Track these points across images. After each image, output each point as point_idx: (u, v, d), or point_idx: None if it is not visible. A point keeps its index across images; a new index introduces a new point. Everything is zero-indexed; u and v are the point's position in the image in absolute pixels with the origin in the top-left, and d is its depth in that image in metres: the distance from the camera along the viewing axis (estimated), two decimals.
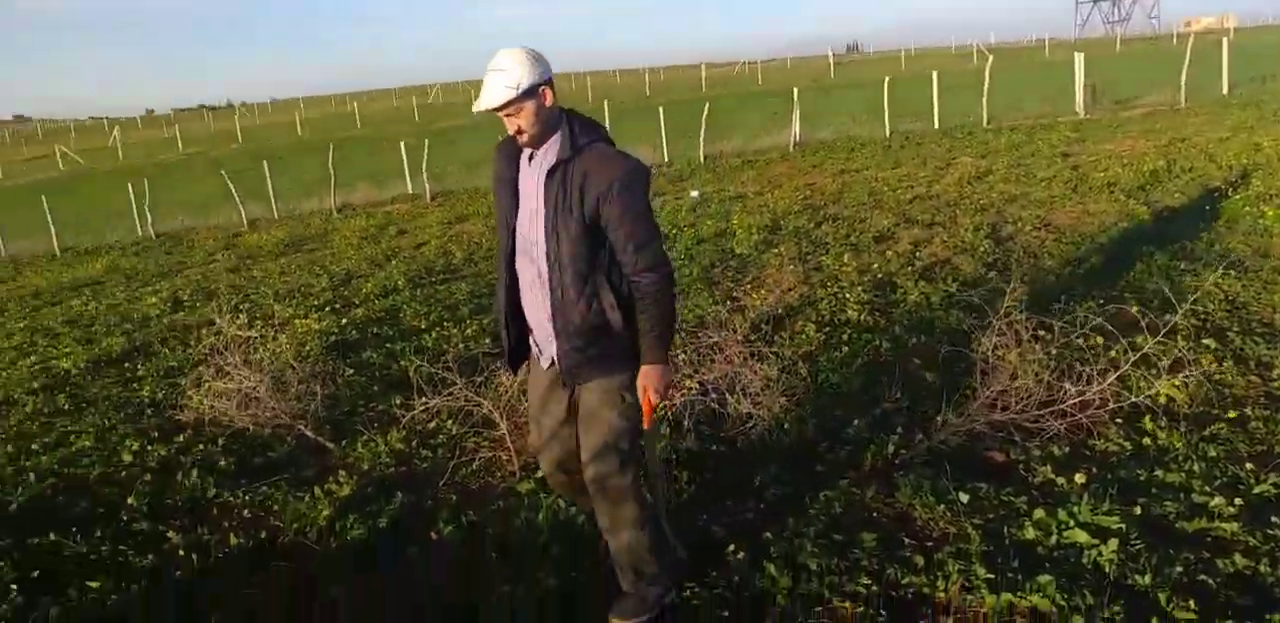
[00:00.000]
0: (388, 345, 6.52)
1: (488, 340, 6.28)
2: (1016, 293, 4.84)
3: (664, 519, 3.04)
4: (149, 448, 4.88)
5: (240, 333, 5.82)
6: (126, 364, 6.95)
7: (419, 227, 13.58)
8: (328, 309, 7.93)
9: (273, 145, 40.44)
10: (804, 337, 5.60)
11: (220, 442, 4.87)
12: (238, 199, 17.45)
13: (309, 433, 4.85)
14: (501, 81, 2.55)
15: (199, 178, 27.08)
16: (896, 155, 14.93)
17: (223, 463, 4.60)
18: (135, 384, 6.31)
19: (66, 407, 5.95)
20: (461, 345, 6.24)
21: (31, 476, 4.66)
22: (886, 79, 19.63)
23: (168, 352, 7.12)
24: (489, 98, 2.57)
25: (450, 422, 4.75)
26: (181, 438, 4.99)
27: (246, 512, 4.09)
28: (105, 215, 19.57)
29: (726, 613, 2.89)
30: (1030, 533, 3.18)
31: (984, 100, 18.62)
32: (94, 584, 3.44)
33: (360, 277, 9.71)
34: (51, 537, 3.87)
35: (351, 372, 5.89)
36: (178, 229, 17.67)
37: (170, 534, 3.85)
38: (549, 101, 2.61)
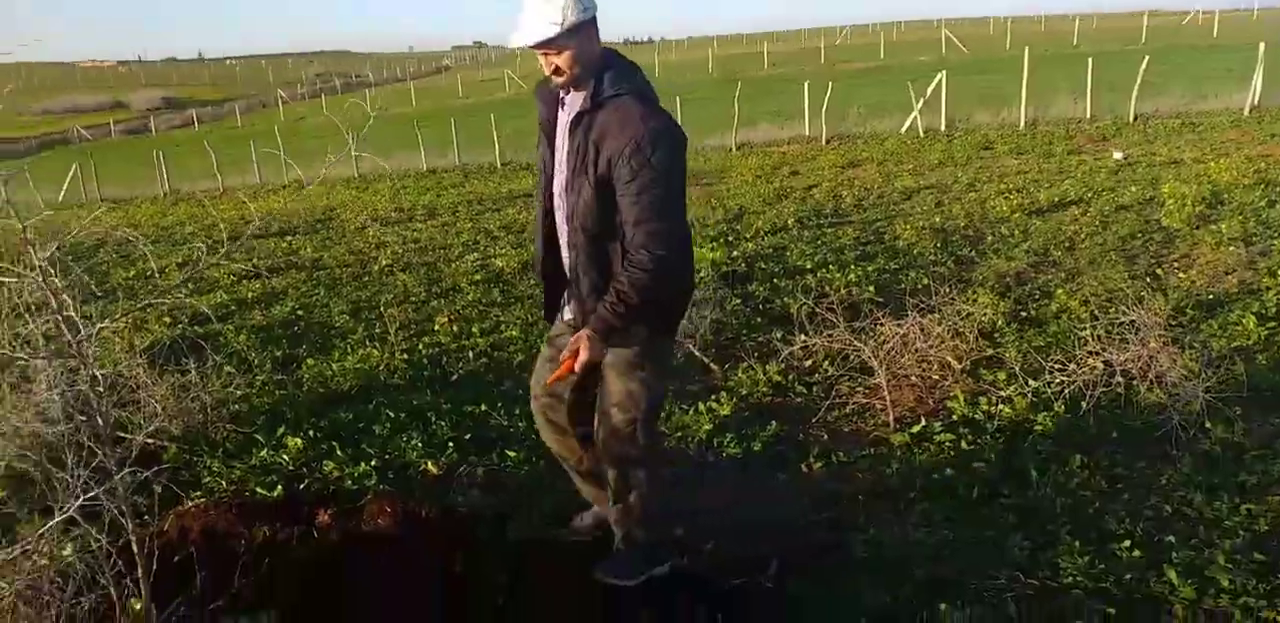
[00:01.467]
0: (773, 281, 6.70)
1: (871, 288, 6.22)
2: None
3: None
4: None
5: None
6: None
7: (812, 169, 13.61)
8: (721, 241, 8.28)
9: (684, 81, 42.27)
10: (1240, 329, 4.91)
11: None
12: None
13: (696, 352, 5.16)
14: (545, 16, 2.29)
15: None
16: None
17: None
18: None
19: (499, 299, 6.85)
20: (844, 290, 6.24)
21: (470, 353, 5.45)
22: None
23: None
24: (529, 33, 2.30)
25: (828, 363, 4.81)
26: None
27: None
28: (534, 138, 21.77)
29: (1113, 611, 2.70)
30: None
31: None
32: (511, 454, 3.98)
33: (752, 213, 9.98)
34: (482, 407, 4.52)
35: (738, 301, 6.14)
36: None
37: None
38: (592, 42, 2.37)
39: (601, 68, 2.40)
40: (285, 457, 4.06)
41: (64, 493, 1.93)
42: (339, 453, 4.06)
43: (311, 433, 4.31)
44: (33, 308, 2.21)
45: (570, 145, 2.44)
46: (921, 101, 17.12)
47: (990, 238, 7.63)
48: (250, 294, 7.61)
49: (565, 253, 2.58)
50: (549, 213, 2.63)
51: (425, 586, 2.83)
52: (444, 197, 14.18)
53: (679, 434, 4.16)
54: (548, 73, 2.40)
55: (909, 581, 2.88)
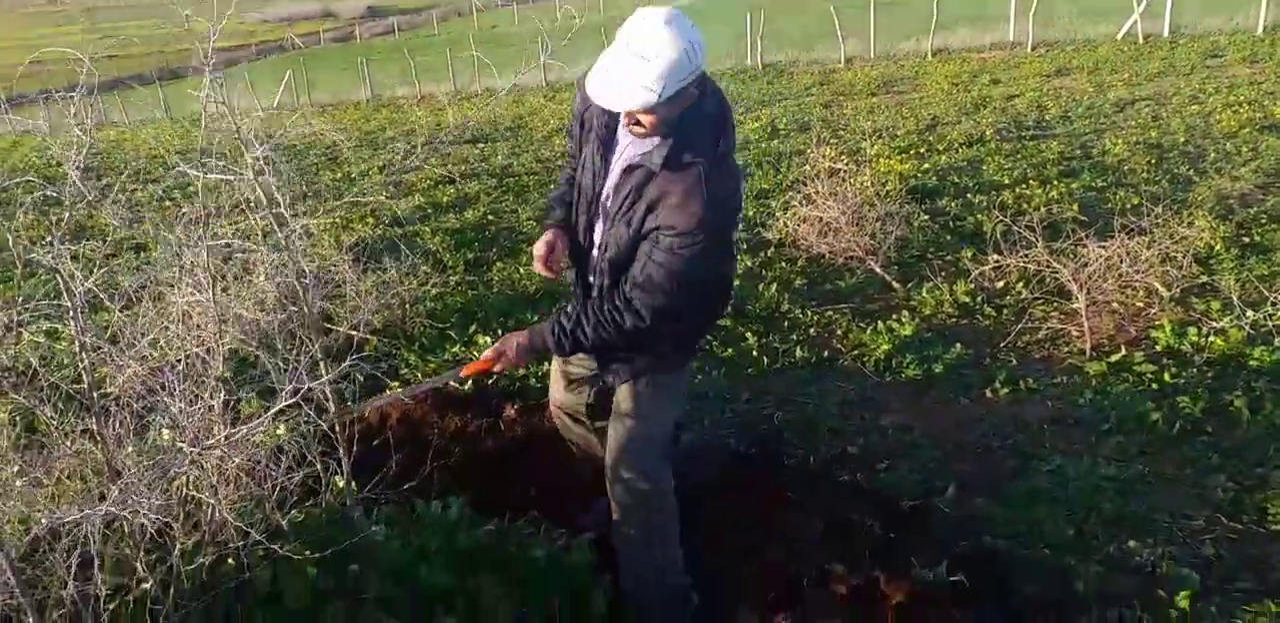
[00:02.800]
0: (966, 196, 6.37)
1: (1074, 206, 5.81)
2: None
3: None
4: (738, 258, 5.45)
5: (830, 165, 6.06)
6: None
7: (1014, 77, 12.67)
8: (911, 152, 7.91)
9: None
10: None
11: (798, 263, 5.27)
12: (840, 36, 17.71)
13: (878, 269, 5.01)
14: (644, 77, 1.93)
15: (805, 11, 27.88)
16: None
17: (797, 282, 5.00)
18: None
19: None
20: (1044, 207, 5.86)
21: None
22: None
23: (760, 174, 7.73)
24: (620, 99, 1.98)
25: (1021, 284, 4.58)
26: (766, 254, 5.48)
27: (812, 330, 4.42)
28: (724, 41, 21.22)
29: None
30: None
31: None
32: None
33: (946, 123, 9.44)
34: None
35: (926, 217, 5.88)
36: (781, 61, 18.60)
37: (748, 335, 4.33)
38: (684, 103, 2.03)
39: (684, 123, 2.09)
40: (476, 353, 4.27)
41: (285, 377, 2.10)
42: None
43: (500, 332, 4.52)
44: (252, 204, 2.37)
45: (621, 188, 2.19)
46: (1144, 4, 15.45)
47: (1213, 155, 6.93)
48: (445, 198, 7.93)
49: (591, 276, 2.40)
50: (591, 223, 2.37)
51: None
52: None
53: (855, 353, 4.10)
54: (624, 124, 2.13)
55: (1095, 514, 2.77)
